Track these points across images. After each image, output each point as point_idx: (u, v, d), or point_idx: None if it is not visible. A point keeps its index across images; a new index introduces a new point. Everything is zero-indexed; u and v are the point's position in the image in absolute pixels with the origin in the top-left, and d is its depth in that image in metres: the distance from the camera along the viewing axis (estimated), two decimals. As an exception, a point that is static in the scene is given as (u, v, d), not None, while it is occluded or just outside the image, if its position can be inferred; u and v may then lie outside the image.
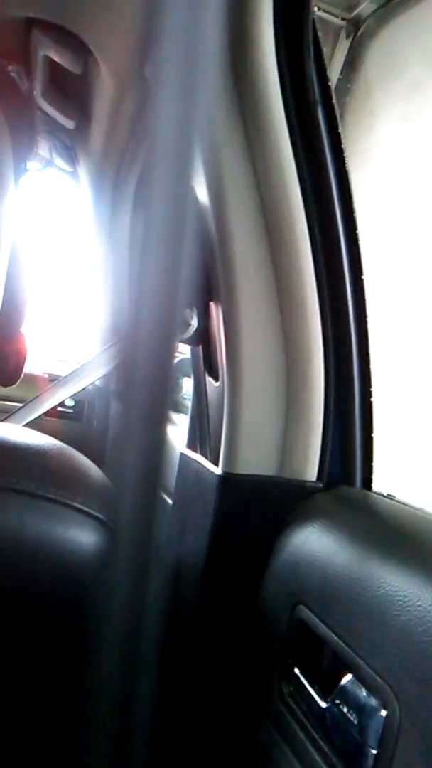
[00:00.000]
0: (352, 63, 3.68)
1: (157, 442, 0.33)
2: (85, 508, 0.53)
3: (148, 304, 0.31)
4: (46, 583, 0.51)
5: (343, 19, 3.49)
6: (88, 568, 0.51)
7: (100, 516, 0.54)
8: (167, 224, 0.31)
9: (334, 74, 3.68)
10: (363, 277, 0.71)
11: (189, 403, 0.90)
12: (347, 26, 3.54)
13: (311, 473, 0.74)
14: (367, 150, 3.47)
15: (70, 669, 0.51)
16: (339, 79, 3.67)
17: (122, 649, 0.34)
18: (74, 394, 1.36)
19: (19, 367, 0.71)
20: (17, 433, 0.60)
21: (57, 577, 0.51)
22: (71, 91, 1.06)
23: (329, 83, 0.66)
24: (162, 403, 0.32)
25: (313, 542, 0.65)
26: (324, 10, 3.41)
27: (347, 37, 3.57)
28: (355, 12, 3.47)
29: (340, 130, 0.66)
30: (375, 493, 0.74)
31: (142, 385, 0.31)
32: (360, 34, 3.58)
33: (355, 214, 0.70)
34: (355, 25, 3.55)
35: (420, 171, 3.11)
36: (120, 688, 0.34)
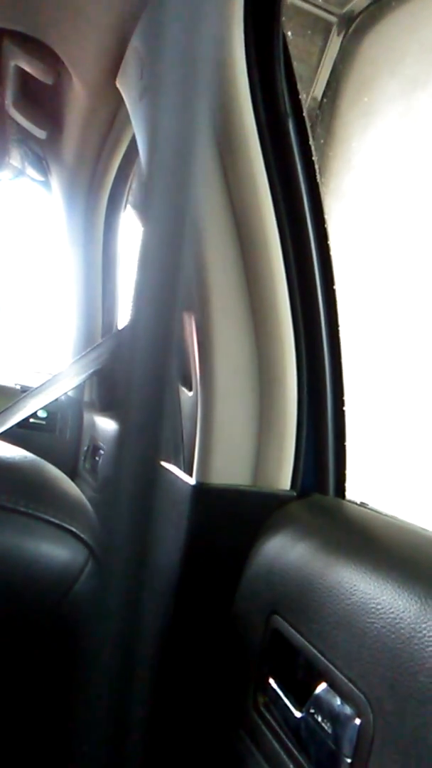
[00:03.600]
0: (344, 60, 3.64)
1: (155, 443, 0.33)
2: (57, 521, 0.53)
3: (145, 313, 0.31)
4: (18, 595, 0.50)
5: (334, 14, 3.43)
6: (61, 581, 0.51)
7: (73, 529, 0.54)
8: (165, 234, 0.31)
9: (325, 71, 3.62)
10: (335, 288, 0.72)
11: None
12: (339, 22, 3.47)
13: (285, 482, 0.74)
14: (362, 150, 3.44)
15: (44, 680, 0.50)
16: (330, 78, 3.63)
17: (99, 661, 0.34)
18: (46, 405, 1.35)
19: None
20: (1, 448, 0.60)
21: (29, 590, 0.50)
22: (42, 102, 1.06)
23: (299, 96, 0.67)
24: (159, 412, 0.32)
25: (287, 551, 0.65)
26: (315, 5, 3.32)
27: (339, 33, 3.51)
28: (348, 7, 3.39)
29: (311, 143, 0.67)
30: (348, 501, 0.74)
31: (140, 394, 0.31)
32: (353, 29, 3.50)
33: (326, 225, 0.70)
34: (347, 20, 3.49)
35: (419, 168, 3.07)
36: (94, 700, 0.34)
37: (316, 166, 0.67)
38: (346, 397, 0.74)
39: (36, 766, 0.52)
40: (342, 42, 3.60)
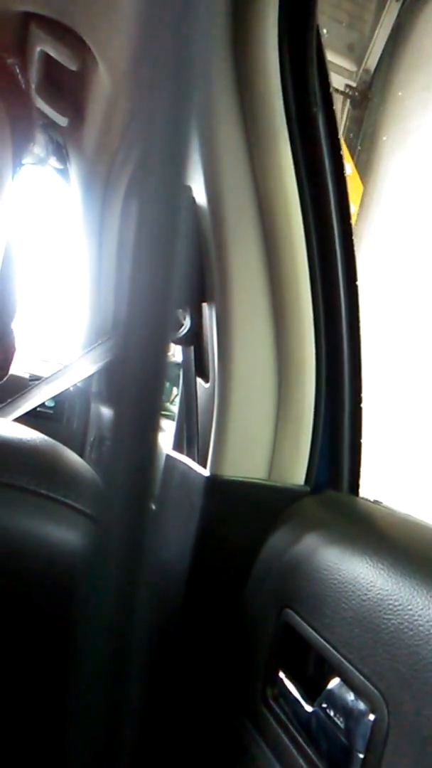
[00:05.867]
0: (402, 28, 3.41)
1: (149, 444, 0.32)
2: (76, 505, 0.53)
3: (139, 304, 0.31)
4: (33, 578, 0.50)
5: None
6: (77, 565, 0.51)
7: (91, 513, 0.54)
8: (159, 224, 0.30)
9: (380, 40, 3.43)
10: (357, 283, 0.72)
11: (175, 408, 0.90)
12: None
13: (299, 477, 0.74)
14: (420, 129, 3.28)
15: (55, 666, 0.50)
16: (386, 48, 3.46)
17: (108, 648, 0.34)
18: (54, 395, 1.35)
19: (8, 362, 0.70)
20: (7, 427, 0.59)
21: (45, 573, 0.50)
22: (66, 88, 1.05)
23: (330, 90, 0.67)
24: (153, 404, 0.32)
25: (301, 546, 0.65)
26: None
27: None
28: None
29: (340, 137, 0.67)
30: (362, 498, 0.74)
31: (133, 386, 0.31)
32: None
33: (350, 220, 0.70)
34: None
35: None
36: (104, 687, 0.34)
37: (344, 161, 0.67)
38: (365, 395, 0.74)
39: (35, 751, 0.52)
40: (400, 8, 3.37)
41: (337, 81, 3.87)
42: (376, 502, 0.72)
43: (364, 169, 3.76)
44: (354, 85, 3.97)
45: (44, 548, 0.51)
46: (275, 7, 0.64)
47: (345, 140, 3.75)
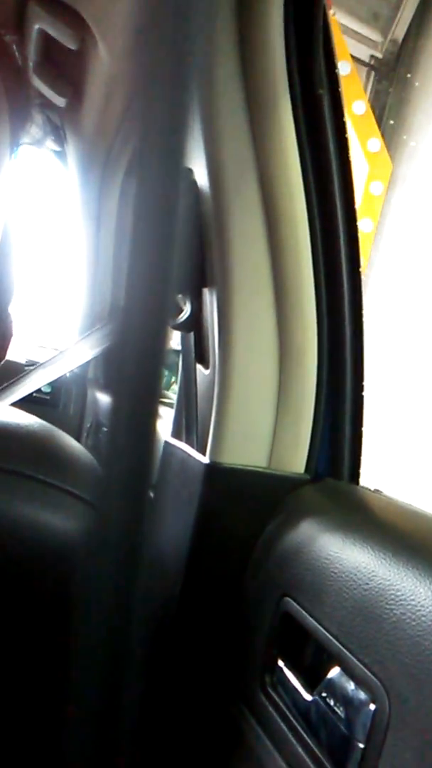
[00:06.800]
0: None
1: (147, 429, 0.32)
2: (73, 490, 0.52)
3: (139, 289, 0.30)
4: (32, 563, 0.49)
5: None
6: (77, 551, 0.50)
7: (89, 498, 0.53)
8: (158, 207, 0.30)
9: (409, 9, 3.27)
10: (360, 270, 0.71)
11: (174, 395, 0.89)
12: None
13: (299, 466, 0.73)
14: None
15: (52, 650, 0.49)
16: (415, 17, 3.31)
17: (106, 634, 0.33)
18: (51, 381, 1.34)
19: (4, 347, 0.69)
20: (4, 412, 0.58)
21: (44, 558, 0.49)
22: (64, 68, 1.03)
23: (337, 71, 0.65)
24: (152, 389, 0.31)
25: (301, 534, 0.64)
26: None
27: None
28: None
29: (345, 120, 0.65)
30: (362, 487, 0.74)
31: (132, 371, 0.30)
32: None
33: (354, 204, 0.69)
34: None
35: None
36: (102, 674, 0.33)
37: (349, 144, 0.66)
38: (367, 383, 0.73)
39: (33, 738, 0.52)
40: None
41: (361, 51, 3.64)
42: (376, 491, 0.72)
43: (390, 147, 3.60)
44: (380, 56, 3.70)
45: (41, 533, 0.50)
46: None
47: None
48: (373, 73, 3.77)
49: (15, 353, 1.63)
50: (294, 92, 0.65)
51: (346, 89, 3.31)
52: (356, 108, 3.46)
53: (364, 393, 0.73)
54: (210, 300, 0.73)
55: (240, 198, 0.68)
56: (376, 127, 3.55)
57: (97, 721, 0.34)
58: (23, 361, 1.61)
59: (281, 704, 0.60)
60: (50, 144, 1.25)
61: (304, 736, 0.56)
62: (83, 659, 0.33)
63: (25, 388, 1.29)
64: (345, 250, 0.70)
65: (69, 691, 0.34)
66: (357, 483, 0.75)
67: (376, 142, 3.54)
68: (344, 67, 3.32)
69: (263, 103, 0.66)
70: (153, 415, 0.31)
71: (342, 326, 0.72)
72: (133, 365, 0.30)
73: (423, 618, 0.46)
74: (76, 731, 0.34)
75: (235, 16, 0.64)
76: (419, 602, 0.47)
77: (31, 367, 1.27)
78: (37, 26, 0.93)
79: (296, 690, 0.58)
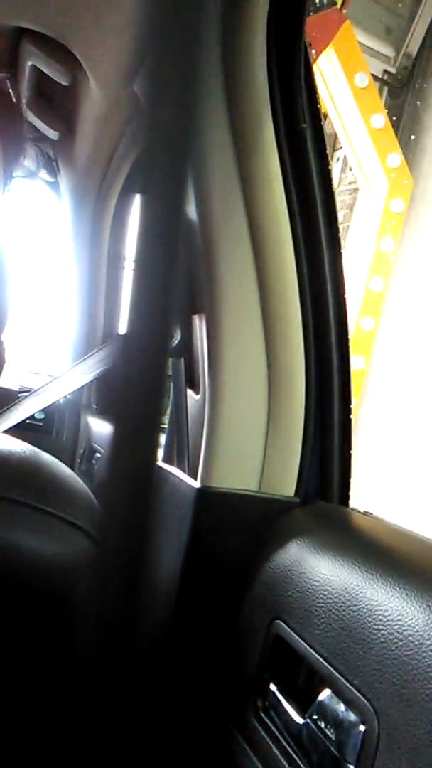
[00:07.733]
0: None
1: (148, 458, 0.32)
2: (67, 517, 0.53)
3: (140, 319, 0.31)
4: (23, 590, 0.50)
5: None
6: (68, 577, 0.51)
7: (81, 525, 0.54)
8: (160, 239, 0.31)
9: (422, 23, 3.17)
10: (345, 295, 0.72)
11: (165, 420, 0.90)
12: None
13: (289, 489, 0.74)
14: None
15: (49, 679, 0.50)
16: (429, 32, 3.24)
17: (99, 660, 0.34)
18: (44, 407, 1.34)
19: None
20: (1, 441, 0.59)
21: (41, 586, 0.50)
22: (57, 102, 1.06)
23: (318, 105, 0.68)
24: (154, 415, 0.32)
25: (291, 557, 0.65)
26: None
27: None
28: None
29: (327, 152, 0.68)
30: (352, 509, 0.74)
31: (135, 398, 0.31)
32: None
33: (339, 233, 0.71)
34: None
35: None
36: (98, 700, 0.34)
37: (332, 174, 0.68)
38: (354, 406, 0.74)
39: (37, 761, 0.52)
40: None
41: (374, 66, 3.49)
42: (366, 513, 0.72)
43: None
44: (393, 71, 3.60)
45: (36, 560, 0.51)
46: (264, 25, 0.65)
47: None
48: (386, 88, 3.69)
49: (8, 380, 1.64)
50: (278, 127, 0.68)
51: (363, 102, 3.25)
52: (375, 122, 3.31)
53: (352, 416, 0.75)
54: (200, 326, 0.75)
55: (228, 228, 0.70)
56: (395, 141, 3.41)
57: (94, 744, 0.34)
58: (16, 388, 1.62)
59: (273, 728, 0.60)
60: (44, 175, 1.27)
61: (296, 759, 0.56)
62: (80, 686, 0.34)
63: (18, 415, 1.30)
64: (330, 276, 0.72)
65: (67, 716, 0.34)
66: (347, 505, 0.76)
67: (396, 158, 3.38)
68: (362, 80, 3.20)
69: (249, 138, 0.68)
70: (154, 443, 0.32)
71: (329, 350, 0.73)
72: (136, 392, 0.30)
73: (410, 638, 0.47)
74: (74, 754, 0.34)
75: (221, 58, 0.67)
76: (406, 623, 0.48)
77: (25, 394, 1.28)
78: (30, 63, 0.96)
79: (288, 713, 0.58)
